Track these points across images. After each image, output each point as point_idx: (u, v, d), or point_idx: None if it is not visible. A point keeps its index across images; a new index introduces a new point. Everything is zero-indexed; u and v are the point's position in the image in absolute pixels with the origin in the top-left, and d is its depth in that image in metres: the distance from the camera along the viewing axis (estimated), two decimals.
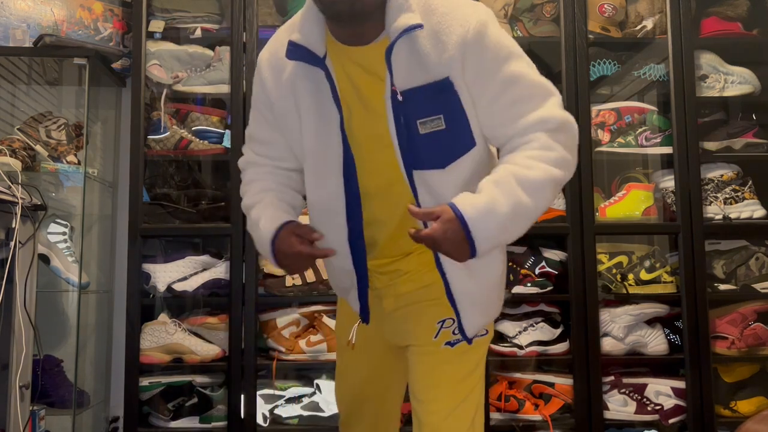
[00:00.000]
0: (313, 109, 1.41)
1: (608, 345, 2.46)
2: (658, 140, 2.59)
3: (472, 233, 1.27)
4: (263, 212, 1.48)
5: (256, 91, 1.52)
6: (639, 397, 2.46)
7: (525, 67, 1.37)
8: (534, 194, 1.30)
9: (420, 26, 1.30)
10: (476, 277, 1.43)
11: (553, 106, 1.36)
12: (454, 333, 1.45)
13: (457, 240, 1.28)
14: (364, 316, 1.54)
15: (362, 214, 1.44)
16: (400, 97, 1.33)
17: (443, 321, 1.45)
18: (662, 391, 2.46)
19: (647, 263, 2.56)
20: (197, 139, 2.54)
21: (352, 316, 1.59)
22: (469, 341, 1.45)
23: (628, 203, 2.55)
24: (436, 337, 1.45)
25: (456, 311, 1.43)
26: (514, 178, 1.30)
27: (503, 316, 2.54)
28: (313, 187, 1.47)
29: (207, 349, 2.43)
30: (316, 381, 2.48)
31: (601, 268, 2.52)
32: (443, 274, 1.42)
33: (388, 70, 1.34)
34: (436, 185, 1.37)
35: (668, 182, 2.56)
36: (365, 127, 1.40)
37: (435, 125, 1.34)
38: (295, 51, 1.38)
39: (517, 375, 2.50)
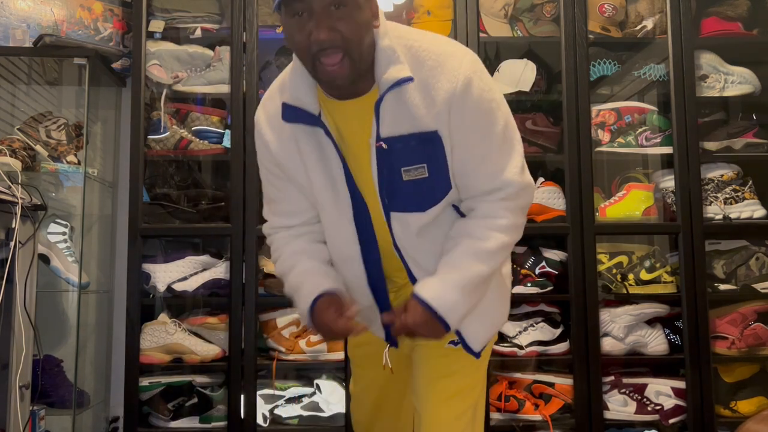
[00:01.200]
0: (320, 164, 1.45)
1: (608, 345, 2.46)
2: (658, 140, 2.59)
3: (444, 318, 1.39)
4: (302, 279, 1.52)
5: (261, 152, 1.54)
6: (639, 397, 2.46)
7: (500, 124, 1.42)
8: (488, 261, 1.42)
9: (410, 79, 1.34)
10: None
11: (515, 168, 1.44)
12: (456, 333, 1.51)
13: (431, 326, 1.40)
14: (392, 341, 1.60)
15: (380, 256, 1.51)
16: (384, 146, 1.38)
17: None
18: (662, 391, 2.46)
19: (647, 263, 2.56)
20: (197, 139, 2.54)
21: (371, 339, 1.65)
22: (477, 355, 1.53)
23: (628, 203, 2.55)
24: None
25: (457, 332, 1.49)
26: (473, 253, 1.41)
27: None
28: (330, 237, 1.54)
29: (207, 349, 2.43)
30: (316, 381, 2.48)
31: (601, 268, 2.52)
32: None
33: (375, 120, 1.38)
34: (412, 224, 1.45)
35: (668, 182, 2.56)
36: (360, 179, 1.45)
37: (419, 173, 1.40)
38: (292, 113, 1.42)
39: (517, 375, 2.50)
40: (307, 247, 1.57)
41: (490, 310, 1.56)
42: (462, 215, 1.50)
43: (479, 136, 1.40)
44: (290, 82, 1.43)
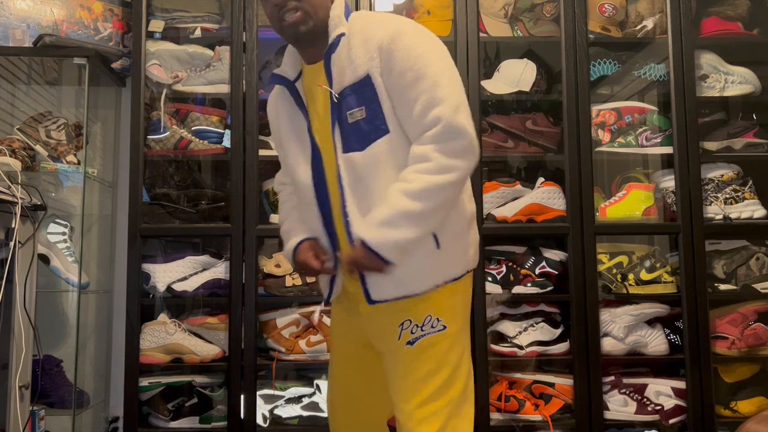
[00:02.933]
0: (290, 119, 1.73)
1: (608, 345, 2.46)
2: (659, 140, 2.59)
3: (376, 251, 1.52)
4: (292, 227, 1.79)
5: (269, 119, 1.84)
6: (639, 398, 2.46)
7: (431, 71, 1.55)
8: (418, 199, 1.51)
9: (343, 34, 1.60)
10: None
11: (446, 108, 1.52)
12: (411, 332, 1.60)
13: (370, 259, 1.54)
14: (327, 299, 1.76)
15: (330, 203, 1.67)
16: (336, 98, 1.61)
17: (402, 323, 1.61)
18: (662, 391, 2.46)
19: (647, 263, 2.56)
20: (197, 139, 2.54)
21: (344, 323, 1.79)
22: (371, 302, 1.62)
23: (629, 203, 2.55)
24: (399, 339, 1.61)
25: (361, 277, 1.61)
26: (400, 192, 1.53)
27: (503, 317, 2.54)
28: (295, 182, 1.74)
29: (207, 349, 2.43)
30: (316, 381, 2.48)
31: (601, 268, 2.52)
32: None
33: (327, 77, 1.62)
34: (357, 167, 1.59)
35: (668, 182, 2.56)
36: (320, 129, 1.67)
37: (359, 114, 1.59)
38: (275, 79, 1.75)
39: (518, 375, 2.50)
40: (298, 203, 1.81)
41: (408, 264, 1.57)
42: None
43: (409, 82, 1.54)
44: (284, 58, 1.75)
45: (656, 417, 2.44)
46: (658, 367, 2.56)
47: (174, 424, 2.43)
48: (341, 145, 1.61)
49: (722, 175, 2.57)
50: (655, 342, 2.49)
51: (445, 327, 1.61)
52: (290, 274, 2.49)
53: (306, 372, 2.56)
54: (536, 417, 2.42)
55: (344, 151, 1.61)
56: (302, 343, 2.46)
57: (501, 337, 2.52)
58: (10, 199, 2.03)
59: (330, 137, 1.63)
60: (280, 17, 1.62)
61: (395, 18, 1.65)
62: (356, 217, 1.60)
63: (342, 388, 1.82)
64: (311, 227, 1.73)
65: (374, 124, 1.59)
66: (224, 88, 2.53)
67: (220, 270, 2.51)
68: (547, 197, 2.52)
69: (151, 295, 2.50)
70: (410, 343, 1.60)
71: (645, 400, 2.46)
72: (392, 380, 1.64)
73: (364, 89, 1.58)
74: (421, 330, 1.60)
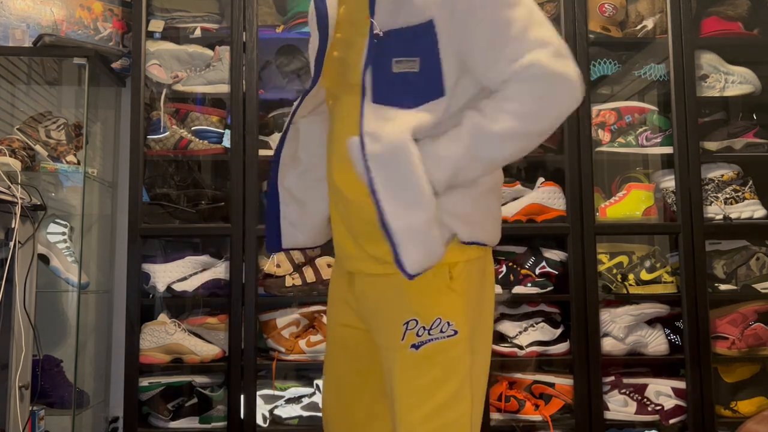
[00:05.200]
0: (314, 28, 1.48)
1: (608, 345, 2.46)
2: (659, 140, 2.59)
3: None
4: None
5: None
6: (639, 398, 2.46)
7: (519, 10, 1.31)
8: (489, 145, 1.32)
9: None
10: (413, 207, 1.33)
11: (544, 52, 1.30)
12: (417, 335, 1.39)
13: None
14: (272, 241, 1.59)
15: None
16: (380, 34, 1.34)
17: (407, 322, 1.40)
18: (663, 391, 2.46)
19: (647, 263, 2.56)
20: (197, 139, 2.54)
21: (340, 297, 1.61)
22: (410, 277, 1.34)
23: (629, 203, 2.55)
24: (403, 339, 1.40)
25: (392, 242, 1.32)
26: (473, 125, 1.32)
27: (503, 317, 2.54)
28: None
29: (207, 350, 2.43)
30: (316, 381, 2.48)
31: (601, 268, 2.52)
32: (377, 202, 1.34)
33: (370, 7, 1.35)
34: (390, 118, 1.34)
35: (668, 182, 2.56)
36: (341, 61, 1.44)
37: (409, 66, 1.35)
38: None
39: (518, 375, 2.50)
40: None
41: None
42: None
43: (489, 29, 1.31)
44: None
45: (656, 417, 2.44)
46: (658, 367, 2.56)
47: (174, 424, 2.43)
48: (372, 94, 1.36)
49: (722, 175, 2.57)
50: (655, 342, 2.49)
51: (456, 332, 1.38)
52: (290, 274, 2.49)
53: (306, 372, 2.56)
54: (536, 417, 2.42)
55: (377, 101, 1.35)
56: (302, 343, 2.46)
57: (501, 337, 2.51)
58: (10, 199, 2.03)
59: (355, 78, 1.39)
60: None
61: None
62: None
63: (336, 386, 1.62)
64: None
65: (429, 83, 1.35)
66: (224, 88, 2.53)
67: (220, 270, 2.51)
68: (547, 197, 2.52)
69: (151, 295, 2.50)
70: (415, 346, 1.39)
71: (645, 400, 2.46)
72: (393, 381, 1.42)
73: (421, 38, 1.33)
74: (429, 333, 1.38)
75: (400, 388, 1.40)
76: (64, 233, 2.52)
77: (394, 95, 1.35)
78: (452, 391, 1.38)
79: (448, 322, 1.38)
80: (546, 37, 1.31)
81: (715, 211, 2.53)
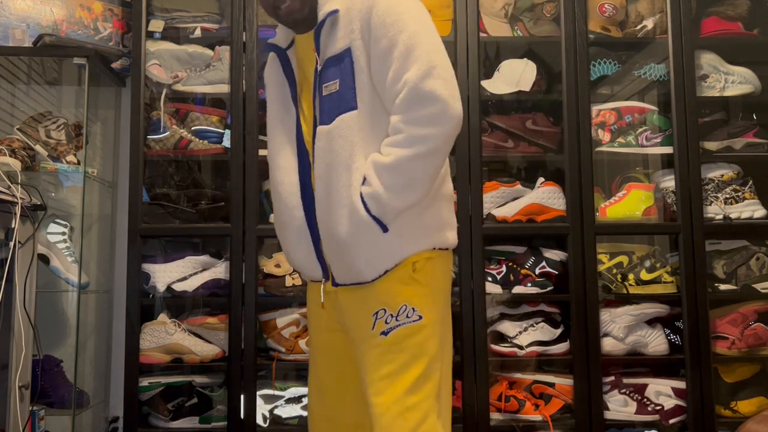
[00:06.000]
0: (277, 86, 1.74)
1: (608, 345, 2.46)
2: (659, 140, 2.59)
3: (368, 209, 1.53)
4: None
5: (265, 89, 1.85)
6: (639, 398, 2.46)
7: (404, 34, 1.51)
8: (391, 173, 1.51)
9: (336, 11, 1.59)
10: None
11: (415, 73, 1.49)
12: (386, 322, 1.55)
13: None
14: (326, 273, 1.66)
15: (310, 170, 1.64)
16: (318, 67, 1.62)
17: (377, 312, 1.56)
18: (663, 391, 2.46)
19: (647, 263, 2.56)
20: (197, 139, 2.54)
21: (319, 310, 1.72)
22: (335, 284, 1.62)
23: (629, 203, 2.55)
24: (373, 329, 1.56)
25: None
26: (373, 165, 1.53)
27: (503, 317, 2.54)
28: (273, 150, 1.73)
29: (207, 350, 2.43)
30: None
31: (601, 268, 2.52)
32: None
33: (315, 48, 1.62)
34: (325, 140, 1.58)
35: (668, 182, 2.56)
36: (308, 100, 1.67)
37: (333, 88, 1.59)
38: (269, 47, 1.76)
39: (518, 375, 2.50)
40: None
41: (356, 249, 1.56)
42: None
43: (384, 50, 1.53)
44: (278, 28, 1.78)
45: (656, 417, 2.44)
46: (658, 367, 2.56)
47: (174, 424, 2.43)
48: (318, 117, 1.60)
49: (722, 175, 2.57)
50: (655, 342, 2.49)
51: (420, 317, 1.55)
52: (290, 274, 2.49)
53: (306, 372, 2.55)
54: (536, 417, 2.42)
55: (319, 123, 1.60)
56: (302, 343, 2.46)
57: (501, 337, 2.51)
58: (10, 199, 2.03)
59: (311, 107, 1.64)
60: (275, 5, 1.64)
61: None
62: (319, 193, 1.59)
63: (319, 392, 1.75)
64: (288, 216, 1.67)
65: (344, 99, 1.57)
66: (224, 88, 2.53)
67: (220, 270, 2.51)
68: (547, 197, 2.52)
69: (151, 295, 2.50)
70: (384, 333, 1.55)
71: (645, 400, 2.46)
72: (365, 372, 1.57)
73: (342, 62, 1.58)
74: (396, 320, 1.55)
75: (372, 375, 1.55)
76: (64, 233, 2.52)
77: (324, 115, 1.60)
78: (420, 372, 1.53)
79: (413, 308, 1.55)
80: (416, 59, 1.50)
81: (715, 211, 2.53)
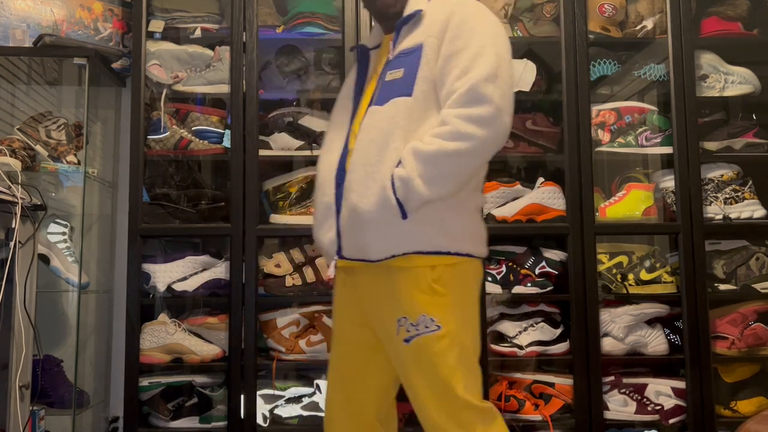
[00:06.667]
0: (351, 81, 1.85)
1: (608, 345, 2.46)
2: (658, 140, 2.59)
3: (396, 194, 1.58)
4: None
5: None
6: (639, 397, 2.46)
7: (477, 43, 1.60)
8: (427, 163, 1.55)
9: (420, 11, 1.71)
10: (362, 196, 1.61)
11: (476, 75, 1.56)
12: (407, 330, 1.60)
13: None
14: (339, 252, 1.70)
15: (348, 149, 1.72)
16: (390, 57, 1.72)
17: (399, 319, 1.61)
18: (662, 391, 2.46)
19: (647, 263, 2.56)
20: (197, 139, 2.54)
21: (344, 298, 1.79)
22: (339, 256, 1.67)
23: (628, 203, 2.55)
24: (397, 334, 1.61)
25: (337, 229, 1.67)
26: (411, 150, 1.57)
27: (503, 316, 2.54)
28: (329, 133, 1.84)
29: (207, 349, 2.43)
30: (316, 381, 2.48)
31: (601, 268, 2.52)
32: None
33: (393, 39, 1.74)
34: (372, 119, 1.65)
35: (668, 182, 2.56)
36: (370, 89, 1.76)
37: (396, 75, 1.67)
38: (356, 47, 1.90)
39: (517, 375, 2.50)
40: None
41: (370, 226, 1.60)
42: None
43: (456, 50, 1.60)
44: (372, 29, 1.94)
45: (656, 417, 2.44)
46: (658, 367, 2.56)
47: (174, 424, 2.43)
48: (374, 99, 1.69)
49: (722, 175, 2.57)
50: (655, 342, 2.49)
51: (439, 327, 1.59)
52: (290, 274, 2.49)
53: (306, 372, 2.56)
54: (536, 417, 2.42)
55: (371, 104, 1.68)
56: (302, 342, 2.46)
57: (501, 337, 2.52)
58: (10, 199, 2.03)
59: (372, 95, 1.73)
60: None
61: None
62: (356, 166, 1.63)
63: (341, 384, 1.79)
64: (324, 178, 1.73)
65: (403, 85, 1.63)
66: (224, 88, 2.53)
67: (220, 270, 2.51)
68: (547, 197, 2.52)
69: (151, 295, 2.50)
70: (407, 341, 1.60)
71: (645, 400, 2.46)
72: (400, 371, 1.66)
73: (412, 55, 1.65)
74: (416, 329, 1.59)
75: (408, 381, 1.64)
76: (64, 233, 2.52)
77: (379, 97, 1.68)
78: (441, 381, 1.58)
79: (432, 318, 1.59)
80: (483, 64, 1.57)
81: (714, 211, 2.53)
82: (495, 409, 1.65)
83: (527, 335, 2.48)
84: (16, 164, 2.29)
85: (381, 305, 1.66)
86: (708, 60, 2.60)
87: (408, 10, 1.73)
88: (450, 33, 1.62)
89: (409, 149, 1.57)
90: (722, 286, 2.54)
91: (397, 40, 1.73)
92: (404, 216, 1.57)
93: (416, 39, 1.68)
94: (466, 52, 1.59)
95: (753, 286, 2.53)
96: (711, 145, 2.61)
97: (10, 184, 2.09)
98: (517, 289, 2.49)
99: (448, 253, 1.62)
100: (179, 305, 2.58)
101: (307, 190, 2.56)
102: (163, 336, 2.42)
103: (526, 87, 2.58)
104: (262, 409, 2.43)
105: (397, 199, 1.55)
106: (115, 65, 2.71)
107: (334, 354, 1.82)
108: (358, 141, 1.65)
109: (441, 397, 1.59)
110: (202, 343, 2.45)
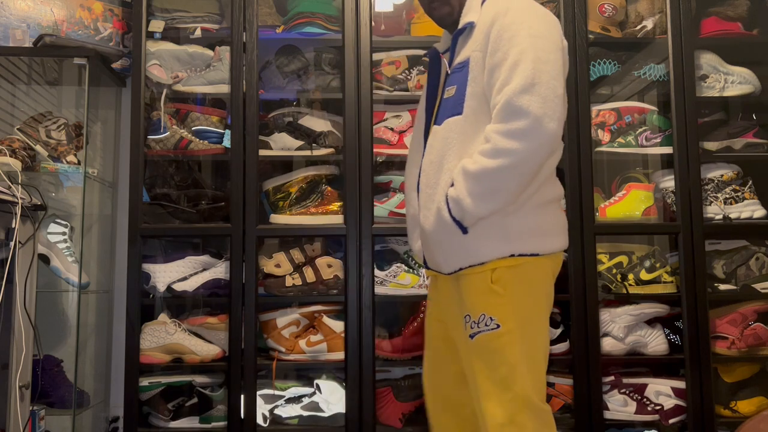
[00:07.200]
0: (428, 85, 1.89)
1: (608, 345, 2.46)
2: (658, 140, 2.59)
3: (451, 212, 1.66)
4: None
5: None
6: (639, 397, 2.46)
7: (514, 52, 1.60)
8: (475, 181, 1.59)
9: (472, 23, 1.72)
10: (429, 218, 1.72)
11: (513, 88, 1.57)
12: (471, 327, 1.67)
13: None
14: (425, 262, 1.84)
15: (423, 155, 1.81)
16: (448, 71, 1.78)
17: (465, 316, 1.69)
18: (662, 391, 2.46)
19: (647, 263, 2.56)
20: (197, 139, 2.54)
21: (432, 298, 1.89)
22: (426, 266, 1.82)
23: (628, 203, 2.55)
24: (465, 329, 1.69)
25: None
26: (460, 171, 1.63)
27: None
28: (413, 140, 1.96)
29: (207, 349, 2.43)
30: (316, 381, 2.48)
31: (601, 268, 2.52)
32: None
33: (450, 51, 1.80)
34: (433, 139, 1.74)
35: (668, 182, 2.56)
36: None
37: (450, 93, 1.73)
38: (430, 50, 1.90)
39: None
40: None
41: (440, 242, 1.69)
42: None
43: (496, 63, 1.62)
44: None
45: (656, 417, 2.44)
46: (658, 367, 2.56)
47: (174, 424, 2.43)
48: (436, 118, 1.77)
49: (722, 175, 2.57)
50: (655, 342, 2.49)
51: (498, 326, 1.64)
52: (290, 274, 2.49)
53: (306, 372, 2.56)
54: None
55: (435, 123, 1.77)
56: (302, 343, 2.46)
57: None
58: (10, 199, 2.03)
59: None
60: (430, 6, 1.82)
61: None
62: (422, 186, 1.74)
63: (431, 374, 1.88)
64: (410, 186, 1.90)
65: (455, 104, 1.69)
66: (224, 88, 2.53)
67: (220, 270, 2.51)
68: None
69: (151, 295, 2.50)
70: (471, 336, 1.67)
71: (645, 399, 2.46)
72: (467, 365, 1.72)
73: (462, 71, 1.70)
74: (478, 326, 1.66)
75: (471, 373, 1.69)
76: (64, 233, 2.53)
77: (438, 116, 1.76)
78: (501, 377, 1.63)
79: (491, 318, 1.65)
80: (519, 74, 1.57)
81: (714, 211, 2.53)
82: (551, 415, 1.68)
83: None
84: (16, 164, 2.29)
85: (452, 304, 1.76)
86: (708, 60, 2.60)
87: (462, 21, 1.76)
88: (491, 46, 1.64)
89: (459, 169, 1.63)
90: (722, 286, 2.54)
91: (454, 52, 1.77)
92: (465, 231, 1.64)
93: (466, 53, 1.71)
94: (505, 64, 1.60)
95: (753, 286, 2.53)
96: (711, 145, 2.61)
97: (10, 184, 2.09)
98: None
99: (512, 256, 1.66)
100: (179, 305, 2.58)
101: (307, 190, 2.56)
102: (163, 336, 2.42)
103: None
104: (262, 409, 2.43)
105: (453, 218, 1.63)
106: (115, 65, 2.71)
107: (426, 345, 1.91)
108: (423, 162, 1.76)
109: (499, 393, 1.62)
110: (202, 343, 2.45)
